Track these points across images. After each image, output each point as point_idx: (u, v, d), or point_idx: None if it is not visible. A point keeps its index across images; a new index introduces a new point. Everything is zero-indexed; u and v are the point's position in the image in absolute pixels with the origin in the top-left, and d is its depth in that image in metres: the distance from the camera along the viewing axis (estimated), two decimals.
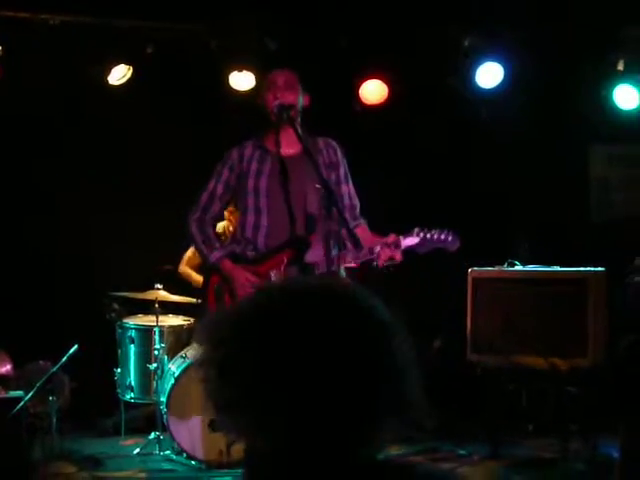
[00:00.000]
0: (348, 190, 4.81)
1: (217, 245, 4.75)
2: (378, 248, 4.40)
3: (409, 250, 4.45)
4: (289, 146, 4.68)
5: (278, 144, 4.61)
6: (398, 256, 4.42)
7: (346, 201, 4.78)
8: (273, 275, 4.53)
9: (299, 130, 4.65)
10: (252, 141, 4.79)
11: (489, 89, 7.15)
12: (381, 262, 4.42)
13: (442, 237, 4.47)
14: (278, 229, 4.60)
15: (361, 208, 4.95)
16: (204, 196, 4.78)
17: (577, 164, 7.76)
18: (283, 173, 4.51)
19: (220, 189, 4.76)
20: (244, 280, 4.59)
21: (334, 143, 4.85)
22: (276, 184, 4.59)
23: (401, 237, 4.43)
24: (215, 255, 4.71)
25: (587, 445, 5.90)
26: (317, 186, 4.49)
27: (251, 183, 4.68)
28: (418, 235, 4.45)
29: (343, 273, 4.63)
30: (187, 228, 4.80)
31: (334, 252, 4.43)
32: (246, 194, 4.69)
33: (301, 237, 4.58)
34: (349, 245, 4.47)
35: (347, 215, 4.65)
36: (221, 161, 4.81)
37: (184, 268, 6.93)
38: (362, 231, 4.66)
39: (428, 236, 4.45)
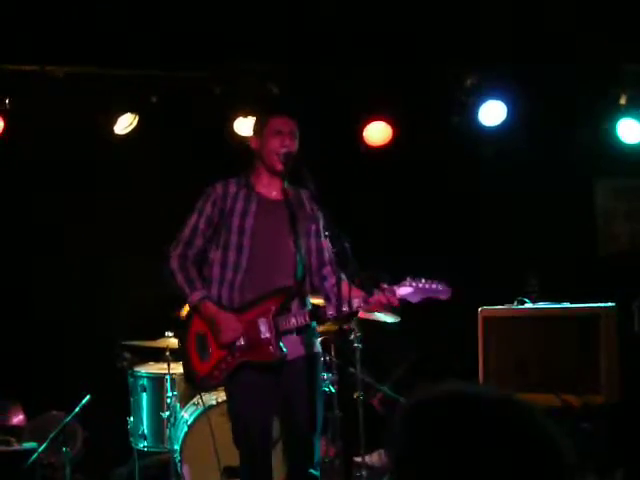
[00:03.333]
0: (327, 244, 4.66)
1: (199, 285, 4.50)
2: (374, 297, 4.36)
3: (402, 299, 4.45)
4: (275, 190, 4.63)
5: (264, 187, 4.62)
6: (395, 303, 4.40)
7: (326, 254, 4.66)
8: (261, 323, 4.42)
9: (285, 181, 4.64)
10: (236, 179, 4.66)
11: (493, 127, 7.19)
12: (375, 309, 4.47)
13: (434, 286, 4.44)
14: (257, 271, 4.49)
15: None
16: (186, 231, 4.57)
17: (582, 198, 7.80)
18: (271, 216, 4.53)
19: (203, 224, 4.56)
20: (225, 321, 4.41)
21: (312, 195, 4.66)
22: (262, 226, 4.54)
23: (395, 287, 4.42)
24: (197, 295, 4.47)
25: None
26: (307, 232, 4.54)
27: (236, 221, 4.52)
28: (411, 285, 4.42)
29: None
30: (166, 263, 4.55)
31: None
32: (229, 232, 4.52)
33: (290, 285, 4.51)
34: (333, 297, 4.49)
35: (328, 269, 4.60)
36: (202, 196, 4.63)
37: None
38: (346, 285, 4.35)
39: (420, 285, 4.42)
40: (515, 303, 6.25)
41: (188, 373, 4.68)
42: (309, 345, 4.53)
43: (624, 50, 6.67)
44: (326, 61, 7.00)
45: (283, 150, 4.53)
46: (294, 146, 4.57)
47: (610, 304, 6.00)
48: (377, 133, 7.27)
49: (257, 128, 4.74)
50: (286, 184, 4.66)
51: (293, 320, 4.44)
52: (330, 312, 4.42)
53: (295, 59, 6.95)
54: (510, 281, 6.57)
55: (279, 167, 4.55)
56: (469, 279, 7.28)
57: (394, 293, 4.40)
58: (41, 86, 6.70)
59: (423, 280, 4.44)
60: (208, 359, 4.52)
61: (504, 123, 7.14)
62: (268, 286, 4.47)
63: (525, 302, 6.23)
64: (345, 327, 5.91)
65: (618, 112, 7.08)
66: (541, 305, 6.20)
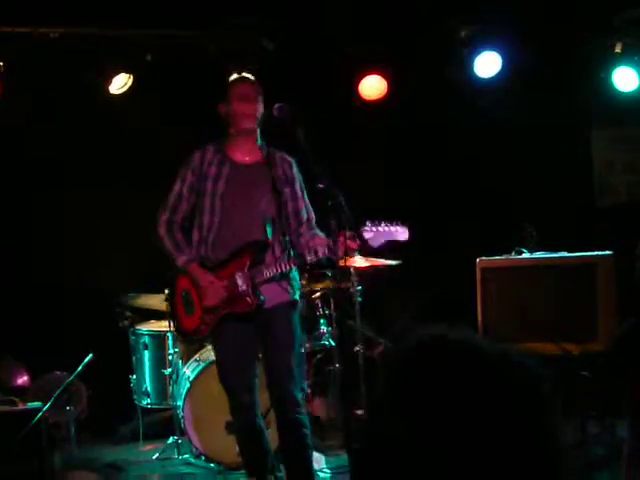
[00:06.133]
0: (304, 204, 4.93)
1: (185, 249, 4.83)
2: (334, 244, 4.54)
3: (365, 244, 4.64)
4: (248, 154, 4.87)
5: (237, 151, 4.87)
6: (354, 246, 4.60)
7: (303, 214, 4.90)
8: (238, 277, 4.68)
9: (259, 140, 4.85)
10: (213, 145, 4.93)
11: (488, 78, 7.17)
12: (340, 254, 4.55)
13: (392, 229, 4.65)
14: (229, 231, 4.77)
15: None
16: (171, 198, 4.89)
17: (580, 149, 7.79)
18: (243, 179, 4.79)
19: (185, 191, 4.87)
20: (208, 284, 4.72)
21: (289, 158, 4.95)
22: (233, 188, 4.79)
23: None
24: (183, 259, 4.80)
25: (604, 429, 5.92)
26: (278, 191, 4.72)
27: (209, 186, 4.81)
28: (371, 230, 4.62)
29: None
30: (155, 228, 4.88)
31: (284, 255, 4.73)
32: (204, 196, 4.82)
33: (260, 240, 4.75)
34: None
35: (304, 227, 4.87)
36: (184, 164, 4.93)
37: None
38: (318, 239, 4.78)
39: (380, 229, 4.62)
40: (513, 253, 6.26)
41: (178, 328, 5.08)
42: (286, 293, 4.78)
43: None
44: (320, 16, 6.96)
45: (248, 113, 4.78)
46: (259, 109, 4.81)
47: (607, 252, 6.02)
48: (372, 87, 7.25)
49: (224, 95, 4.93)
50: (259, 143, 4.87)
51: (266, 271, 4.70)
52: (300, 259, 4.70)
53: (289, 15, 6.92)
54: (508, 232, 6.59)
55: (247, 126, 4.81)
56: (467, 230, 7.33)
57: (354, 238, 4.58)
58: (35, 48, 6.66)
59: (382, 223, 4.65)
60: (193, 314, 4.84)
61: (499, 74, 7.12)
62: (239, 244, 4.75)
63: (523, 252, 6.25)
64: (342, 286, 5.96)
65: (614, 61, 7.05)
66: (539, 255, 6.22)
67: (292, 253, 4.71)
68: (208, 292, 4.72)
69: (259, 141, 4.86)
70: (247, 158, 4.88)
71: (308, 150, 4.55)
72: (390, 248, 4.85)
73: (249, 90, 4.84)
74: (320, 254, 4.62)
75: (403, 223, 4.69)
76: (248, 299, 4.67)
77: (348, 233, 4.53)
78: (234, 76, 5.04)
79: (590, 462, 5.64)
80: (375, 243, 4.64)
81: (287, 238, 4.75)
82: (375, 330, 6.76)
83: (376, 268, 6.23)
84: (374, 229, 4.59)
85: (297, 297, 4.86)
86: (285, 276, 4.75)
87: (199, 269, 4.77)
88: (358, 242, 4.57)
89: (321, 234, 4.82)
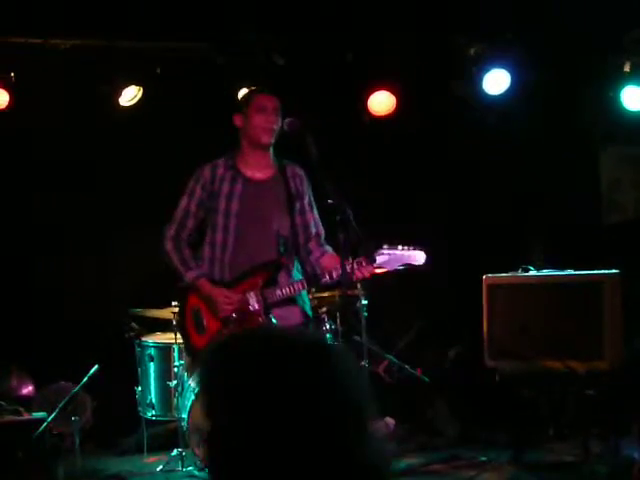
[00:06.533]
0: (313, 218, 4.89)
1: (193, 265, 4.77)
2: (350, 267, 4.47)
3: (380, 267, 4.60)
4: (261, 169, 4.81)
5: (250, 167, 4.81)
6: (371, 273, 4.57)
7: (312, 229, 4.88)
8: (250, 296, 4.64)
9: (272, 155, 4.82)
10: (224, 160, 4.86)
11: (497, 96, 7.18)
12: (356, 278, 4.55)
13: (410, 253, 4.57)
14: (245, 250, 4.72)
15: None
16: (178, 213, 4.83)
17: (588, 167, 7.79)
18: (256, 196, 4.74)
19: (193, 207, 4.81)
20: (223, 299, 4.67)
21: (300, 172, 4.90)
22: (247, 207, 4.73)
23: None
24: (191, 274, 4.74)
25: (608, 447, 5.90)
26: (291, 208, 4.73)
27: (222, 204, 4.74)
28: (388, 253, 4.56)
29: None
30: (162, 243, 4.83)
31: (296, 274, 4.75)
32: (217, 214, 4.76)
33: (274, 260, 4.71)
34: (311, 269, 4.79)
35: (313, 243, 4.84)
36: (193, 178, 4.86)
37: None
38: (329, 257, 4.77)
39: (397, 253, 4.56)
40: (519, 271, 6.26)
41: (187, 346, 5.01)
42: (298, 314, 4.77)
43: (627, 17, 6.64)
44: (330, 31, 6.99)
45: (267, 126, 4.70)
46: (278, 123, 4.72)
47: (614, 271, 6.02)
48: (381, 103, 7.27)
49: (241, 106, 4.87)
50: (272, 157, 4.83)
51: (279, 292, 4.65)
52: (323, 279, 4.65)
53: (298, 29, 6.94)
54: (514, 249, 6.60)
55: (264, 140, 4.73)
56: (473, 247, 7.33)
57: (371, 263, 4.55)
58: (46, 59, 6.70)
59: (399, 247, 4.58)
60: (204, 333, 4.78)
61: (508, 92, 7.13)
62: (253, 263, 4.70)
63: (529, 270, 6.25)
64: (349, 293, 5.98)
65: (622, 79, 7.06)
66: (545, 272, 6.22)
67: (302, 271, 4.70)
68: (222, 304, 4.67)
69: (272, 156, 4.82)
70: (260, 174, 4.81)
71: (320, 165, 4.53)
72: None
73: (269, 102, 4.76)
74: (335, 277, 4.55)
75: (420, 248, 4.62)
76: (260, 319, 4.63)
77: (364, 260, 4.49)
78: (252, 87, 4.97)
79: None
80: (391, 266, 4.57)
81: (298, 255, 4.75)
82: (380, 345, 6.75)
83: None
84: (391, 252, 4.53)
85: (310, 316, 4.84)
86: (297, 296, 4.73)
87: (209, 284, 4.72)
88: (372, 269, 4.52)
89: (331, 251, 4.79)
